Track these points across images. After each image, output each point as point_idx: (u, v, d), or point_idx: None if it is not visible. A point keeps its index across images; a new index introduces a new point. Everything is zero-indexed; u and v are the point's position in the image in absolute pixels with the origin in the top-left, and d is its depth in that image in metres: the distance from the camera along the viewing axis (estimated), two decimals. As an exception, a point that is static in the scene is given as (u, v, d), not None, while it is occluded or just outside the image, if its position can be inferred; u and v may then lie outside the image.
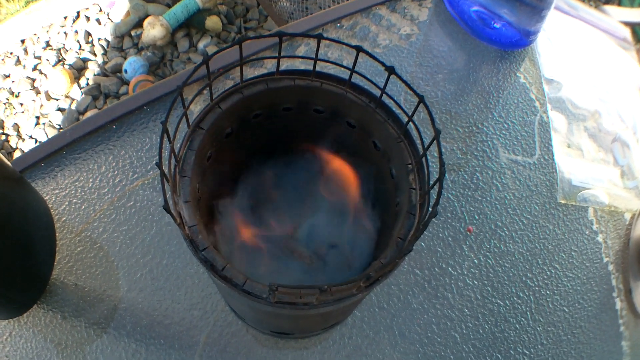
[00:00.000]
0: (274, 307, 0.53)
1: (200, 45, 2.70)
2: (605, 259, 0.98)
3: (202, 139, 0.62)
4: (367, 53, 0.60)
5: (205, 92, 0.96)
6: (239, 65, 0.62)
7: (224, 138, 0.67)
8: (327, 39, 0.61)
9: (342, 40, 1.10)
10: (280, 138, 0.73)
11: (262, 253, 0.72)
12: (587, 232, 0.99)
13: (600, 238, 0.99)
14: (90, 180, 0.94)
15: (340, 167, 0.75)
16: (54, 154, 0.96)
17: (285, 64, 0.99)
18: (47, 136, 2.45)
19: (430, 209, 0.54)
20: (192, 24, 2.73)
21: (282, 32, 0.61)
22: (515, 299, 0.92)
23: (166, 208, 0.50)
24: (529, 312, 0.91)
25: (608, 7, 1.39)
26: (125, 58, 2.66)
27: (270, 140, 0.73)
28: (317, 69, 0.66)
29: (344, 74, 0.66)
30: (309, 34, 0.63)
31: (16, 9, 2.77)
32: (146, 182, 0.94)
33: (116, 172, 0.95)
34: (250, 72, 1.02)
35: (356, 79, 0.66)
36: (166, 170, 0.54)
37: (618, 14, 1.35)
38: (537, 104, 1.10)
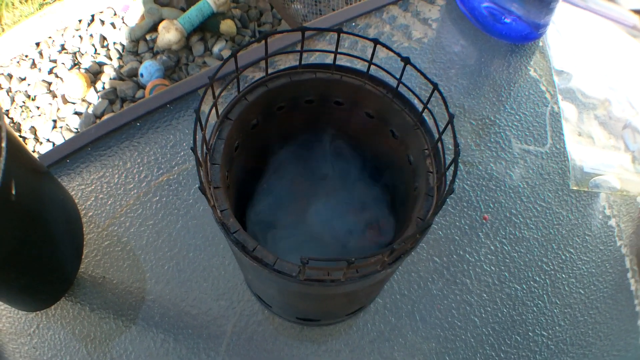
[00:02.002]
0: (303, 284, 0.56)
1: (215, 49, 2.71)
2: (619, 242, 1.00)
3: (230, 129, 0.64)
4: (383, 45, 0.62)
5: (225, 89, 0.98)
6: (265, 59, 0.64)
7: (251, 129, 0.69)
8: (346, 32, 0.63)
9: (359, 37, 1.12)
10: (303, 129, 0.76)
11: (286, 239, 0.75)
12: (600, 217, 1.01)
13: (613, 222, 1.01)
14: (116, 176, 0.96)
15: (360, 157, 0.78)
16: (79, 151, 0.98)
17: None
18: (65, 140, 2.47)
19: (447, 188, 0.56)
20: (206, 28, 2.74)
21: (304, 27, 0.63)
22: (531, 282, 0.93)
23: (202, 189, 0.52)
24: (545, 295, 0.93)
25: (617, -4, 1.40)
26: (140, 62, 2.67)
27: (293, 131, 0.76)
28: (338, 63, 0.68)
29: (362, 67, 0.69)
30: (329, 29, 0.66)
31: (30, 11, 2.78)
32: (171, 177, 0.96)
33: (141, 168, 0.97)
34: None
35: (374, 72, 0.68)
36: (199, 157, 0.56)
37: (628, 2, 1.36)
38: (547, 95, 1.11)
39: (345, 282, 0.55)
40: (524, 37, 1.15)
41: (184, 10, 2.75)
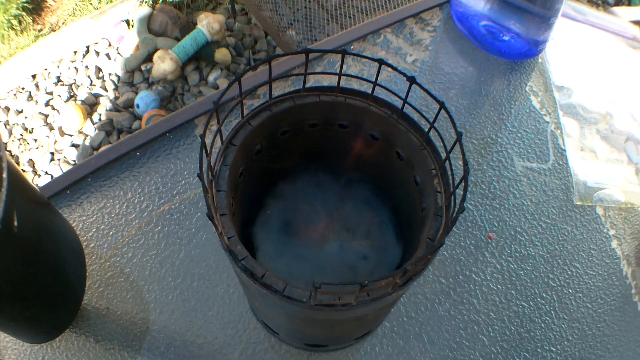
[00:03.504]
0: (314, 309, 0.55)
1: (211, 78, 2.72)
2: (623, 255, 0.99)
3: (234, 155, 0.64)
4: (388, 65, 0.62)
5: (230, 113, 0.98)
6: (268, 83, 0.64)
7: (255, 154, 0.69)
8: (351, 53, 0.63)
9: (359, 60, 1.12)
10: (307, 154, 0.75)
11: (292, 266, 0.74)
12: (604, 231, 1.01)
13: (617, 235, 1.01)
14: (117, 206, 0.96)
15: (365, 179, 0.77)
16: (79, 182, 0.97)
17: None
18: (63, 172, 2.47)
19: (457, 207, 0.56)
20: (201, 57, 2.75)
21: (308, 49, 0.63)
22: (539, 299, 0.93)
23: (210, 216, 0.52)
24: (553, 311, 0.93)
25: (616, 9, 1.40)
26: (136, 93, 2.68)
27: (298, 156, 0.75)
28: (343, 84, 0.68)
29: (367, 89, 0.68)
30: (333, 50, 0.66)
31: (26, 43, 2.80)
32: (173, 206, 0.96)
33: (142, 197, 0.96)
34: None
35: (378, 92, 0.68)
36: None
37: (627, 14, 1.36)
38: (548, 111, 1.11)
39: (357, 306, 0.54)
40: (523, 54, 1.15)
41: (178, 39, 2.76)
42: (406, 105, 0.66)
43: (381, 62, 0.62)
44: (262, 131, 0.67)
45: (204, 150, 0.55)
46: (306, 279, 0.72)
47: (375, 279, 0.51)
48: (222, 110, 1.03)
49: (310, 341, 0.81)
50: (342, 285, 0.51)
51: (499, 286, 0.93)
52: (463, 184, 0.56)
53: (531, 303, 0.93)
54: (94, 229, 0.94)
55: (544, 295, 0.94)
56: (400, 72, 0.62)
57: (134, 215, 0.95)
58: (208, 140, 0.61)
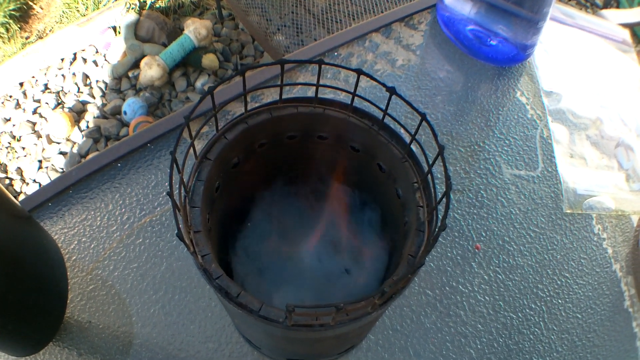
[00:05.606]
0: (291, 330, 0.54)
1: (198, 84, 2.71)
2: (614, 263, 0.99)
3: (210, 170, 0.62)
4: (367, 75, 0.61)
5: (206, 127, 0.97)
6: (243, 95, 0.62)
7: (231, 168, 0.68)
8: (328, 64, 0.61)
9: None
10: (286, 166, 0.74)
11: (273, 281, 0.73)
12: (595, 239, 1.00)
13: (608, 243, 1.00)
14: (98, 218, 0.94)
15: (346, 192, 0.76)
16: (60, 194, 0.96)
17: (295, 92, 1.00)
18: (51, 180, 2.47)
19: (439, 224, 0.54)
20: (188, 63, 2.75)
21: (284, 59, 0.62)
22: (527, 310, 0.92)
23: (180, 236, 0.50)
24: (542, 322, 0.92)
25: (606, 12, 1.39)
26: (123, 99, 2.68)
27: (276, 169, 0.74)
28: (322, 95, 0.66)
29: (347, 99, 0.67)
30: (310, 60, 0.64)
31: (13, 51, 2.79)
32: (154, 218, 0.94)
33: (123, 209, 0.95)
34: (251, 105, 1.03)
35: (358, 103, 0.66)
36: (177, 201, 0.54)
37: (616, 17, 1.35)
38: (537, 117, 1.10)
39: (335, 326, 0.53)
40: (511, 59, 1.14)
41: (165, 45, 2.75)
42: (388, 116, 0.65)
43: (359, 72, 0.61)
44: (239, 144, 0.66)
45: (174, 167, 0.54)
46: (288, 294, 0.71)
47: (352, 301, 0.50)
48: (203, 120, 1.01)
49: (292, 356, 0.80)
50: (318, 308, 0.50)
51: (486, 297, 0.92)
52: (445, 199, 0.55)
53: (520, 314, 0.92)
54: (76, 242, 0.93)
55: (533, 306, 0.93)
56: (379, 83, 0.60)
57: (115, 228, 0.94)
58: (181, 156, 0.59)
